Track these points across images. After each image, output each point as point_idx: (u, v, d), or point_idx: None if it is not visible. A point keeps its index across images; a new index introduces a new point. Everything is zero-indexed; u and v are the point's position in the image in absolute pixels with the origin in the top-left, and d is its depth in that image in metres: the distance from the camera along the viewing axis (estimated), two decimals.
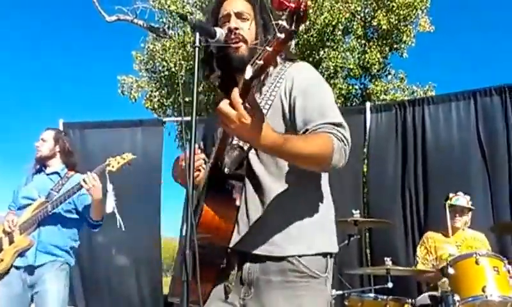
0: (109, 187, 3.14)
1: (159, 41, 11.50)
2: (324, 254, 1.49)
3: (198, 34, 1.39)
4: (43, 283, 2.99)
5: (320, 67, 12.67)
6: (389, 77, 13.65)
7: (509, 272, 2.88)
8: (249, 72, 1.17)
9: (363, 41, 12.72)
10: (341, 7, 11.30)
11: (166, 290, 6.88)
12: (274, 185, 1.45)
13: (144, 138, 5.40)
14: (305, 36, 11.48)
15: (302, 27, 11.32)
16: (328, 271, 1.50)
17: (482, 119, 4.67)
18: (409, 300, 3.28)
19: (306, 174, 1.45)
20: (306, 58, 12.23)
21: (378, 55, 12.16)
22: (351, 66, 12.51)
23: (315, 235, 1.48)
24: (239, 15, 1.57)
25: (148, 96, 12.75)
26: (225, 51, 1.55)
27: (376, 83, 12.96)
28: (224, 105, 1.19)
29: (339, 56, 12.35)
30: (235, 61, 1.53)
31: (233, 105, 1.18)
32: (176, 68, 10.84)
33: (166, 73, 11.34)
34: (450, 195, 3.78)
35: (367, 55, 12.21)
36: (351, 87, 12.91)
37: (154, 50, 12.85)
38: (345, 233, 3.70)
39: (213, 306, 1.50)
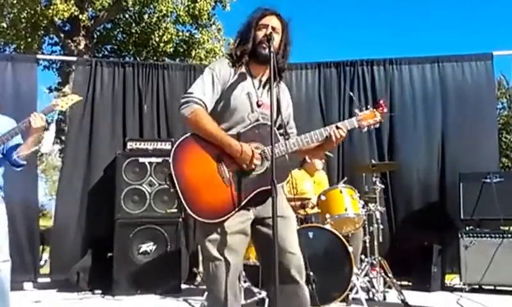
0: (52, 127, 3.44)
1: None
2: None
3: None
4: None
5: (151, 7, 13.06)
6: (213, 27, 14.87)
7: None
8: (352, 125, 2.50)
9: None
10: None
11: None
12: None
13: (16, 75, 5.36)
14: None
15: None
16: None
17: (323, 85, 6.28)
18: None
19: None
20: None
21: (208, 6, 13.18)
22: (181, 13, 13.24)
23: None
24: (273, 28, 2.44)
25: None
26: (257, 47, 2.42)
27: (203, 32, 14.04)
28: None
29: (170, 1, 12.93)
30: (261, 56, 2.41)
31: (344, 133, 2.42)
32: None
33: None
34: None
35: (197, 4, 13.08)
36: (180, 34, 13.71)
37: None
38: None
39: (240, 215, 2.34)
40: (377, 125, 2.55)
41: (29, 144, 3.24)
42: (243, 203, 2.29)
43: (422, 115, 6.13)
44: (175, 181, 2.29)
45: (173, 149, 2.34)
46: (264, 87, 2.48)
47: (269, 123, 2.28)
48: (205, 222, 2.29)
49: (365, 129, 2.52)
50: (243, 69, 2.45)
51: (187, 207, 2.27)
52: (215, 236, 2.29)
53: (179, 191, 2.28)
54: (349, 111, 6.03)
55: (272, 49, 2.28)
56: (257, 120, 2.41)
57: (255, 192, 2.30)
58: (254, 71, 2.48)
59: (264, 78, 2.49)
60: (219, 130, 2.33)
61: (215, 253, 2.28)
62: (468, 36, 37.62)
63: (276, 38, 2.43)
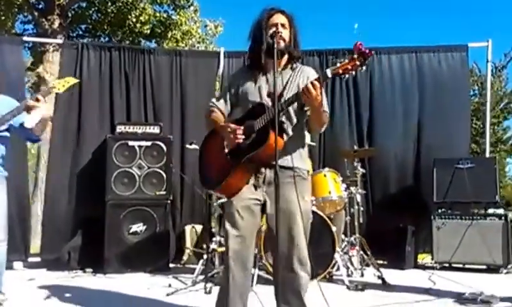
0: None
1: None
2: (307, 170, 2.90)
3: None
4: None
5: None
6: (191, 8, 14.91)
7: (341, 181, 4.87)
8: (329, 73, 2.44)
9: None
10: None
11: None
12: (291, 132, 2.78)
13: (3, 57, 5.48)
14: None
15: None
16: (309, 178, 2.94)
17: None
18: None
19: (301, 129, 2.80)
20: None
21: None
22: None
23: (304, 159, 2.85)
24: (282, 25, 2.73)
25: None
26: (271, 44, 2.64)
27: (181, 13, 14.10)
28: (317, 86, 2.45)
29: None
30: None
31: (316, 87, 2.44)
32: None
33: None
34: None
35: None
36: (158, 15, 13.73)
37: None
38: None
39: (248, 193, 2.71)
40: (360, 68, 2.40)
41: (41, 123, 3.46)
42: (241, 162, 2.64)
43: (400, 103, 6.51)
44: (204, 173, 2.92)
45: (199, 148, 3.01)
46: (279, 76, 2.73)
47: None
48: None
49: (345, 76, 2.44)
50: (257, 69, 2.78)
51: (208, 188, 2.99)
52: (227, 207, 2.76)
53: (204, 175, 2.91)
54: (330, 99, 6.36)
55: (273, 42, 2.55)
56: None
57: (247, 156, 2.61)
58: (269, 66, 2.71)
59: (279, 69, 2.75)
60: (216, 120, 2.83)
61: (225, 221, 2.73)
62: (445, 28, 38.90)
63: (286, 33, 2.73)
